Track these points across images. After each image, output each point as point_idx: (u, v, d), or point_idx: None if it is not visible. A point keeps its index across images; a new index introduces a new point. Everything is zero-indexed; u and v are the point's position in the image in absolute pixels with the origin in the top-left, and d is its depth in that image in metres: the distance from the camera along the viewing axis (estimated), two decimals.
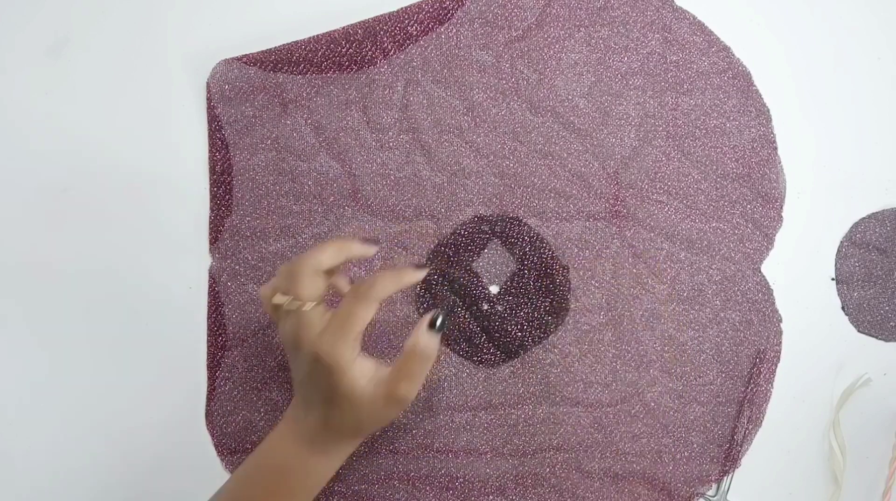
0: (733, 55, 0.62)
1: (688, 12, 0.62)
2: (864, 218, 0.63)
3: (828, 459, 0.61)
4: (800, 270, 0.62)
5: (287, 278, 0.51)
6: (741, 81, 0.62)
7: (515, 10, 0.62)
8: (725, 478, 0.60)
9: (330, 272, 0.52)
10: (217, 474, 0.60)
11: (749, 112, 0.62)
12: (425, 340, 0.50)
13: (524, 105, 0.62)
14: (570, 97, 0.62)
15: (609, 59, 0.62)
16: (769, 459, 0.61)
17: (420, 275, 0.53)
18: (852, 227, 0.63)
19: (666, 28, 0.62)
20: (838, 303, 0.63)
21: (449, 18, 0.62)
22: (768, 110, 0.62)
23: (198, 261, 0.62)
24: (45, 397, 0.61)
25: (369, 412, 0.50)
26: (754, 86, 0.62)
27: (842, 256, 0.63)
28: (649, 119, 0.62)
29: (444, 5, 0.62)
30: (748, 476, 0.61)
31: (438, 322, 0.50)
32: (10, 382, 0.61)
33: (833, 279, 0.63)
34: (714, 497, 0.60)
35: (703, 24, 0.62)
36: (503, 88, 0.62)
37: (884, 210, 0.63)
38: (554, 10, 0.62)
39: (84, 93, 0.63)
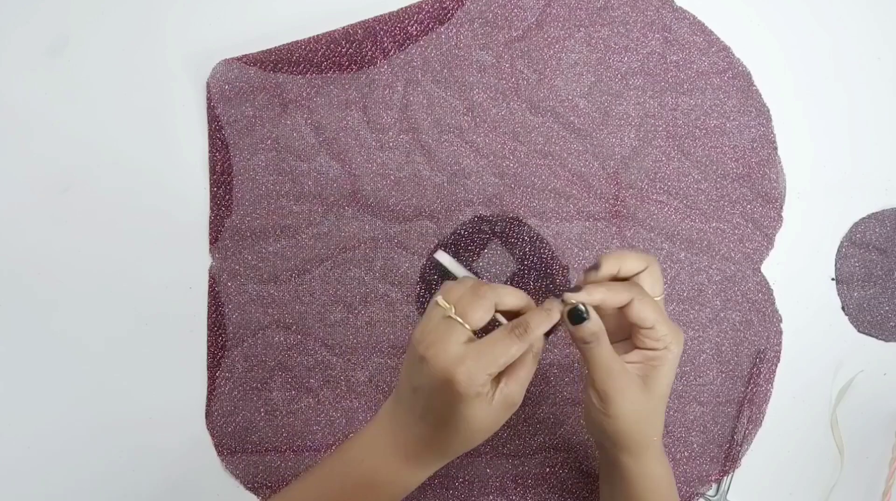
0: (733, 55, 0.62)
1: (688, 12, 0.62)
2: (864, 218, 0.63)
3: (828, 459, 0.61)
4: (800, 270, 0.62)
5: (469, 294, 0.48)
6: (741, 80, 0.62)
7: (515, 11, 0.62)
8: (725, 478, 0.60)
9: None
10: (217, 474, 0.60)
11: (749, 112, 0.62)
12: (537, 338, 0.48)
13: (524, 105, 0.62)
14: (570, 97, 0.62)
15: (609, 59, 0.62)
16: (769, 459, 0.61)
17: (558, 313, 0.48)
18: (852, 227, 0.63)
19: (666, 28, 0.62)
20: (838, 303, 0.63)
21: (449, 18, 0.62)
22: (768, 110, 0.62)
23: (198, 261, 0.62)
24: (45, 397, 0.61)
25: (485, 425, 0.48)
26: (754, 86, 0.62)
27: (842, 256, 0.63)
28: (649, 119, 0.62)
29: (444, 5, 0.62)
30: (748, 476, 0.61)
31: (554, 317, 0.48)
32: (9, 382, 0.61)
33: (833, 279, 0.63)
34: (714, 497, 0.60)
35: (703, 24, 0.62)
36: (503, 88, 0.62)
37: (884, 210, 0.63)
38: (554, 11, 0.62)
39: (84, 93, 0.63)
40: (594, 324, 0.47)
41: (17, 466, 0.61)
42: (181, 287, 0.62)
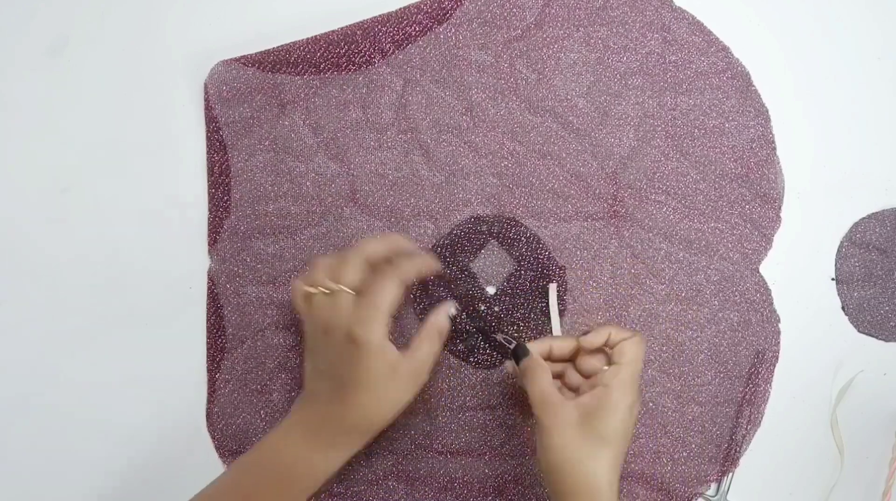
0: (732, 55, 0.62)
1: (687, 12, 0.62)
2: (864, 218, 0.63)
3: (828, 459, 0.61)
4: (800, 270, 0.62)
5: (327, 268, 0.53)
6: (740, 80, 0.62)
7: (514, 10, 0.62)
8: (725, 478, 0.60)
9: (371, 268, 0.54)
10: (217, 474, 0.60)
11: (748, 112, 0.62)
12: (441, 318, 0.54)
13: (523, 105, 0.62)
14: (568, 97, 0.62)
15: (608, 58, 0.62)
16: (769, 459, 0.61)
17: (437, 264, 0.57)
18: (852, 227, 0.63)
19: (665, 28, 0.62)
20: (838, 303, 0.62)
21: (447, 18, 0.62)
22: (767, 110, 0.62)
23: (198, 261, 0.62)
24: (44, 397, 0.61)
25: (398, 391, 0.52)
26: (753, 86, 0.62)
27: (842, 256, 0.63)
28: (648, 119, 0.61)
29: (442, 5, 0.62)
30: (748, 476, 0.61)
31: (452, 312, 0.55)
32: (9, 382, 0.61)
33: (833, 279, 0.63)
34: (714, 497, 0.60)
35: (702, 24, 0.62)
36: (502, 87, 0.62)
37: (884, 210, 0.63)
38: (553, 10, 0.62)
39: (84, 93, 0.63)
40: (530, 359, 0.52)
41: (15, 467, 0.61)
42: (181, 288, 0.62)
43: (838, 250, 0.63)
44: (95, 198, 0.63)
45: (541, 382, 0.51)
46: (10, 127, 0.63)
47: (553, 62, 0.62)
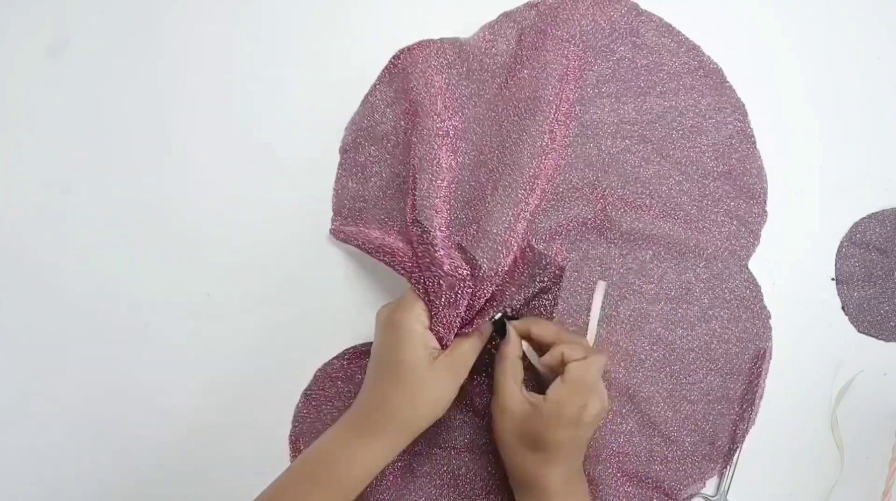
0: (703, 53, 0.62)
1: (654, 15, 0.62)
2: (864, 218, 0.63)
3: (828, 459, 0.61)
4: (800, 270, 0.62)
5: None
6: (713, 78, 0.62)
7: (491, 52, 0.61)
8: (725, 478, 0.60)
9: None
10: (216, 479, 0.60)
11: (724, 109, 0.61)
12: (486, 325, 0.56)
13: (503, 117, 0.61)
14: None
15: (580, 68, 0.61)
16: (769, 459, 0.61)
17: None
18: (852, 227, 0.63)
19: (634, 32, 0.61)
20: (838, 303, 0.62)
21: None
22: (744, 105, 0.61)
23: (198, 261, 0.62)
24: (44, 398, 0.61)
25: (431, 387, 0.52)
26: (727, 82, 0.62)
27: (842, 256, 0.63)
28: (625, 125, 0.61)
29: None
30: (748, 476, 0.61)
31: (497, 318, 0.56)
32: (9, 382, 0.61)
33: (833, 279, 0.63)
34: (714, 497, 0.60)
35: (671, 26, 0.62)
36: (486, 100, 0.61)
37: (884, 210, 0.63)
38: (527, 40, 0.61)
39: (84, 93, 0.63)
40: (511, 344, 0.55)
41: (15, 468, 0.61)
42: (182, 288, 0.62)
43: (838, 250, 0.63)
44: (95, 198, 0.63)
45: (509, 370, 0.55)
46: (10, 127, 0.63)
47: (530, 80, 0.60)
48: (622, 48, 0.61)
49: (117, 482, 0.61)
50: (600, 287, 0.59)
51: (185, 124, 0.63)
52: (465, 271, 0.55)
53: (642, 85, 0.61)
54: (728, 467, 0.60)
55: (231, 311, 0.62)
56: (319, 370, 0.61)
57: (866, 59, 0.64)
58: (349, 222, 0.61)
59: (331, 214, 0.62)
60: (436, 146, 0.58)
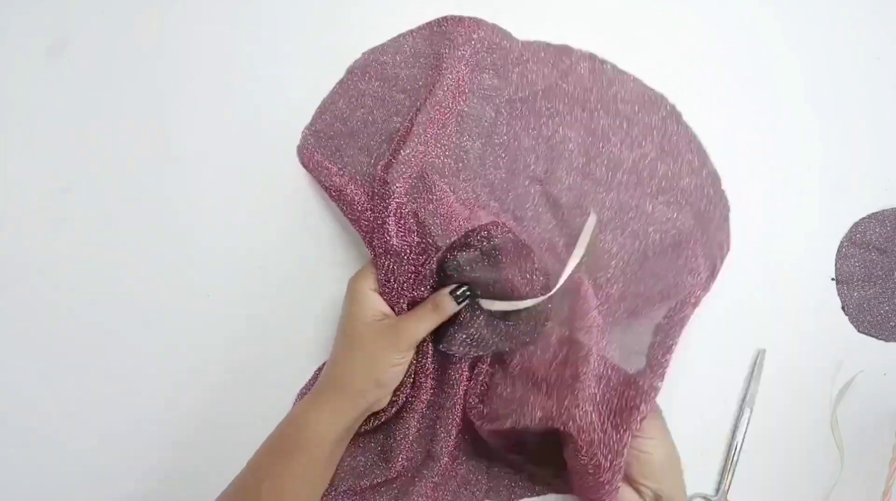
0: (720, 185, 0.60)
1: (690, 129, 0.61)
2: (864, 218, 0.63)
3: (828, 459, 0.61)
4: (800, 270, 0.62)
5: None
6: (719, 211, 0.60)
7: (528, 73, 0.61)
8: (725, 478, 0.60)
9: None
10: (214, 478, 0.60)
11: (712, 246, 0.60)
12: (444, 299, 0.54)
13: (508, 161, 0.60)
14: (553, 169, 0.60)
15: (602, 146, 0.61)
16: (769, 459, 0.61)
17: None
18: (852, 227, 0.63)
19: (665, 136, 0.61)
20: (838, 303, 0.63)
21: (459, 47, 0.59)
22: (730, 246, 0.60)
23: (199, 261, 0.62)
24: (44, 397, 0.61)
25: (366, 346, 0.53)
26: (728, 222, 0.60)
27: (842, 256, 0.63)
28: (621, 215, 0.60)
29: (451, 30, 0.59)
30: (748, 476, 0.61)
31: (461, 293, 0.54)
32: (9, 382, 0.61)
33: (833, 279, 0.63)
34: (714, 497, 0.60)
35: (701, 144, 0.61)
36: (493, 141, 0.60)
37: (884, 210, 0.63)
38: (565, 85, 0.61)
39: (84, 93, 0.63)
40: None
41: (15, 468, 0.61)
42: (181, 288, 0.62)
43: (838, 250, 0.63)
44: (95, 198, 0.63)
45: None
46: (10, 127, 0.63)
47: (548, 132, 0.61)
48: (648, 146, 0.61)
49: (116, 481, 0.61)
50: (591, 219, 0.58)
51: (184, 124, 0.63)
52: (414, 239, 0.54)
53: (654, 188, 0.60)
54: (728, 467, 0.60)
55: (230, 311, 0.62)
56: (318, 369, 0.61)
57: (866, 60, 0.64)
58: (320, 139, 0.61)
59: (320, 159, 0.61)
60: (437, 120, 0.58)
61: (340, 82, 0.62)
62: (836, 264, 0.63)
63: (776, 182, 0.63)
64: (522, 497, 0.60)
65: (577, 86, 0.61)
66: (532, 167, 0.61)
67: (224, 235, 0.62)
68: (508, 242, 0.55)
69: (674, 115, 0.61)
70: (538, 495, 0.60)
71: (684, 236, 0.59)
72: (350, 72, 0.62)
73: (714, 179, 0.60)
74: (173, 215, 0.62)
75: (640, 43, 0.64)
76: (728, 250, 0.59)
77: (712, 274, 0.58)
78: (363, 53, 0.62)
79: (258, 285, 0.62)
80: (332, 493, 0.58)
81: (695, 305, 0.57)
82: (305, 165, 0.61)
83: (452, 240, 0.54)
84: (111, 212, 0.62)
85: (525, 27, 0.63)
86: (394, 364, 0.53)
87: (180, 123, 0.63)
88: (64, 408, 0.61)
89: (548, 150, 0.61)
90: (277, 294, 0.62)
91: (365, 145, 0.60)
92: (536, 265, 0.56)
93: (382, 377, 0.54)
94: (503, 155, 0.60)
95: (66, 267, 0.62)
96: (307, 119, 0.62)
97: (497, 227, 0.55)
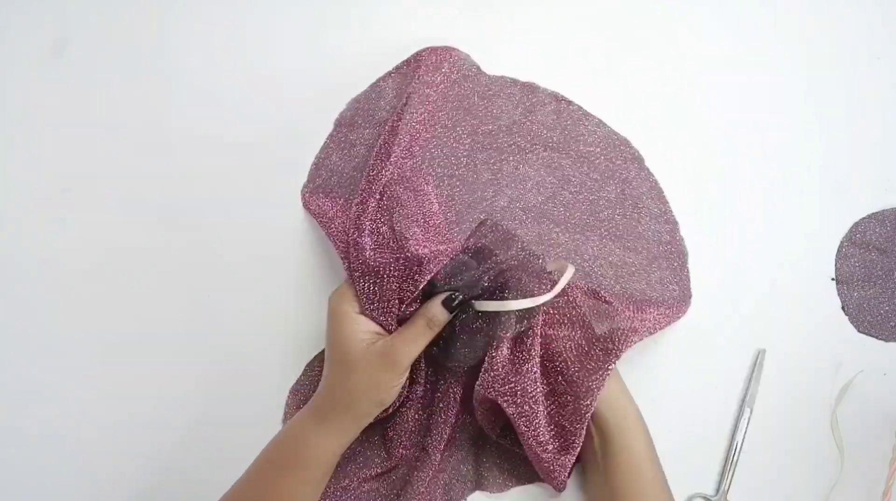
0: (678, 233, 0.61)
1: (652, 176, 0.62)
2: (864, 218, 0.63)
3: (828, 459, 0.61)
4: (800, 270, 0.62)
5: None
6: (676, 260, 0.61)
7: (494, 109, 0.61)
8: (725, 478, 0.60)
9: None
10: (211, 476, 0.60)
11: (672, 290, 0.61)
12: (436, 310, 0.52)
13: (465, 194, 0.60)
14: (511, 206, 0.61)
15: (562, 188, 0.61)
16: (769, 459, 0.61)
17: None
18: (852, 227, 0.63)
19: (626, 181, 0.61)
20: (838, 303, 0.62)
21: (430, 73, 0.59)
22: (691, 296, 0.61)
23: (200, 261, 0.62)
24: (44, 397, 0.61)
25: (363, 372, 0.52)
26: (686, 268, 0.61)
27: (842, 256, 0.63)
28: (575, 257, 0.60)
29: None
30: (748, 476, 0.61)
31: (455, 302, 0.51)
32: (9, 382, 0.61)
33: (833, 279, 0.63)
34: (714, 497, 0.60)
35: (662, 193, 0.62)
36: (453, 172, 0.61)
37: (884, 210, 0.63)
38: (528, 124, 0.61)
39: (84, 93, 0.63)
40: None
41: (15, 467, 0.61)
42: (180, 287, 0.62)
43: (838, 250, 0.63)
44: (95, 198, 0.63)
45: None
46: (11, 127, 0.63)
47: (509, 168, 0.61)
48: (609, 190, 0.61)
49: (115, 480, 0.61)
50: (570, 270, 0.56)
51: (184, 124, 0.63)
52: (388, 256, 0.53)
53: (612, 232, 0.61)
54: (728, 467, 0.60)
55: (230, 311, 0.62)
56: (308, 365, 0.61)
57: (866, 60, 0.64)
58: (319, 193, 0.61)
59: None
60: (404, 144, 0.57)
61: (331, 136, 0.62)
62: (836, 264, 0.63)
63: (776, 182, 0.63)
64: (512, 488, 0.60)
65: (541, 125, 0.62)
66: (489, 201, 0.61)
67: (224, 235, 0.62)
68: (496, 236, 0.55)
69: (637, 160, 0.62)
70: (528, 483, 0.60)
71: (636, 279, 0.60)
72: (338, 124, 0.62)
73: (672, 226, 0.61)
74: (173, 216, 0.62)
75: (640, 43, 0.64)
76: (689, 295, 0.61)
77: (662, 319, 0.58)
78: (347, 103, 0.62)
79: (258, 285, 0.62)
80: (331, 488, 0.58)
81: (638, 341, 0.56)
82: (312, 215, 0.60)
83: (435, 247, 0.54)
84: (111, 212, 0.62)
85: (525, 27, 0.63)
86: (394, 385, 0.53)
87: (180, 123, 0.63)
88: (63, 408, 0.61)
89: (506, 185, 0.61)
90: (277, 294, 0.62)
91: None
92: (525, 246, 0.55)
93: (385, 398, 0.54)
94: (460, 186, 0.61)
95: (66, 267, 0.62)
96: (307, 118, 0.62)
97: (483, 226, 0.55)
